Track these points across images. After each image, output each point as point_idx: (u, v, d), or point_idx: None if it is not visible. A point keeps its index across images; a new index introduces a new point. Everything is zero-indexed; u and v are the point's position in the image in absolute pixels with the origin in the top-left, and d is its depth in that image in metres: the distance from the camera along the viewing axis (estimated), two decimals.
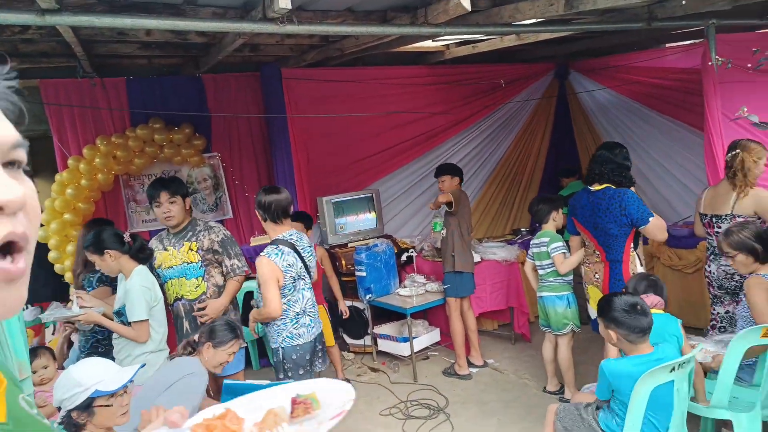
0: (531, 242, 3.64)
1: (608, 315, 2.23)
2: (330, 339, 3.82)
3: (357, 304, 4.36)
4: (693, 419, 2.45)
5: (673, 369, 2.13)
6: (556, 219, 3.53)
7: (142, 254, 2.67)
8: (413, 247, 4.72)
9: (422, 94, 5.01)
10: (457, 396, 3.75)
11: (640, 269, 3.06)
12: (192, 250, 2.87)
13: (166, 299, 2.86)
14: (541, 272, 3.53)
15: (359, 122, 4.76)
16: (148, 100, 4.16)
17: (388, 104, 4.81)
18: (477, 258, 4.29)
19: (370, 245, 4.43)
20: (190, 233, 2.91)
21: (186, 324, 2.94)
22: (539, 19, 3.23)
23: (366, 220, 4.73)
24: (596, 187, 3.04)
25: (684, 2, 2.58)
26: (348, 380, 3.86)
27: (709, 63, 3.14)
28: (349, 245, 4.56)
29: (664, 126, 4.81)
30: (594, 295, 3.18)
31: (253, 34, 2.85)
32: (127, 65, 4.11)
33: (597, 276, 3.16)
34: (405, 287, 4.32)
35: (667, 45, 4.92)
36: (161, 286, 2.82)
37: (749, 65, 2.43)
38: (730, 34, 3.53)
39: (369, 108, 4.73)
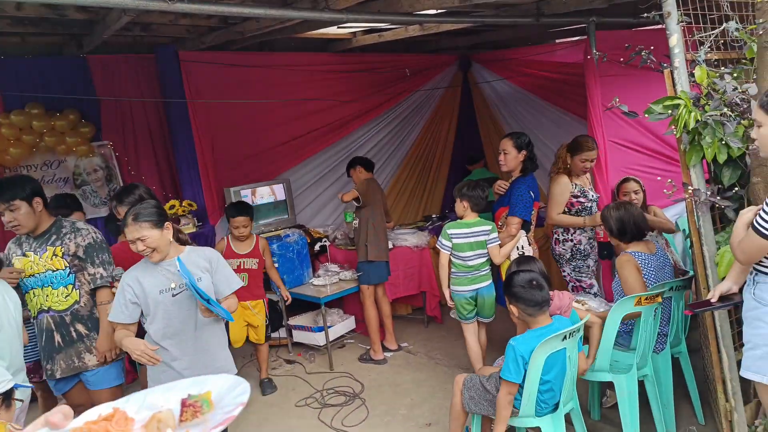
0: (457, 231, 3.25)
1: (509, 291, 2.40)
2: (261, 336, 3.73)
3: (270, 296, 4.28)
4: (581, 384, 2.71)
5: (565, 337, 2.33)
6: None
7: None
8: (326, 237, 4.71)
9: (331, 82, 4.98)
10: (372, 381, 3.82)
11: (528, 249, 3.31)
12: (57, 255, 2.48)
13: (27, 312, 2.51)
14: (476, 262, 3.27)
15: (267, 110, 4.64)
16: (24, 83, 3.72)
17: (295, 92, 4.72)
18: (390, 245, 4.38)
19: (281, 236, 4.36)
20: (55, 236, 2.51)
21: (58, 338, 2.52)
22: (439, 10, 3.33)
23: (277, 210, 4.63)
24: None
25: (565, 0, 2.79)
26: (270, 379, 3.79)
27: (589, 57, 3.44)
28: (260, 236, 4.45)
29: (554, 115, 5.20)
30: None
31: (141, 12, 2.65)
32: None
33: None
34: (319, 277, 4.31)
35: (557, 41, 5.30)
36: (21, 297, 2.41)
37: (622, 59, 2.70)
38: (608, 31, 3.89)
39: (276, 95, 4.61)
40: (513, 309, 2.41)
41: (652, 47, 2.57)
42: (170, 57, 4.07)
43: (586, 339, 2.62)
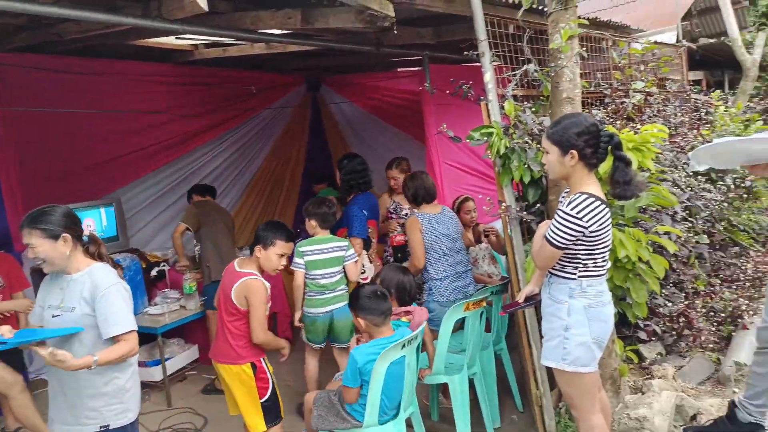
0: (309, 249, 3.22)
1: (356, 303, 2.48)
2: None
3: None
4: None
5: (404, 345, 2.49)
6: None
7: None
8: (165, 261, 4.36)
9: (170, 95, 4.65)
10: (217, 413, 3.58)
11: (369, 267, 3.50)
12: None
13: None
14: (329, 280, 3.23)
15: (94, 122, 4.15)
16: None
17: (129, 103, 4.31)
18: None
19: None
20: None
21: None
22: (284, 31, 3.36)
23: (105, 232, 4.15)
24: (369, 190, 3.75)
25: (396, 32, 3.04)
26: None
27: (421, 88, 3.80)
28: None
29: (398, 137, 5.57)
30: None
31: None
32: None
33: (377, 265, 3.73)
34: (156, 305, 3.96)
35: (399, 69, 5.71)
36: None
37: (448, 91, 3.03)
38: (441, 65, 4.32)
39: (105, 105, 4.16)
40: (360, 322, 2.49)
41: (471, 82, 2.93)
42: None
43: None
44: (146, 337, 3.87)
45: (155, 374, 3.80)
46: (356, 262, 3.33)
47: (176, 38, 4.16)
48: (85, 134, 4.14)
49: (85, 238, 2.10)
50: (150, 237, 4.74)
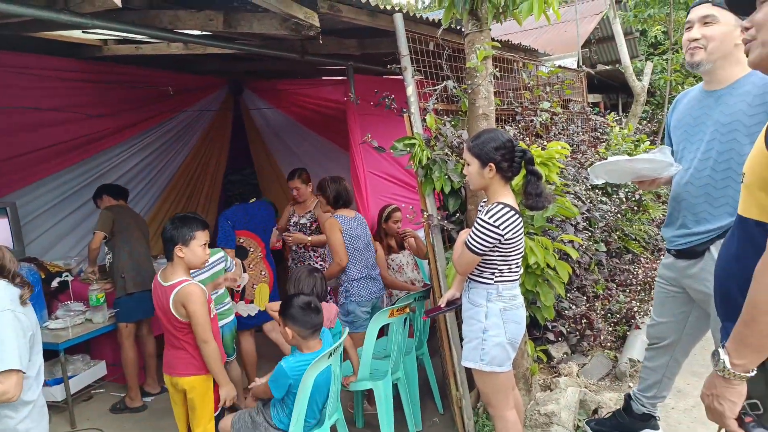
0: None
1: (287, 312, 2.40)
2: None
3: None
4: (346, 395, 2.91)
5: (330, 354, 2.48)
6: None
7: None
8: (68, 271, 4.00)
9: (76, 92, 4.29)
10: None
11: (244, 276, 3.51)
12: None
13: None
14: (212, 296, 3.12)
15: None
16: None
17: (24, 99, 3.92)
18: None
19: None
20: None
21: None
22: (204, 32, 3.26)
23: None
24: (252, 200, 3.90)
25: (321, 42, 3.07)
26: None
27: (345, 98, 3.85)
28: None
29: (322, 146, 5.57)
30: (264, 291, 3.64)
31: None
32: None
33: (264, 273, 3.79)
34: (57, 318, 3.62)
35: (324, 78, 5.72)
36: None
37: (372, 102, 3.10)
38: (366, 76, 4.39)
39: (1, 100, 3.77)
40: (288, 331, 2.42)
41: (393, 96, 3.02)
42: None
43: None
44: (47, 353, 3.53)
45: (57, 394, 3.47)
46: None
47: (82, 32, 3.87)
48: None
49: None
50: (50, 245, 4.33)
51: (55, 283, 3.76)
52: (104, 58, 4.40)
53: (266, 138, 5.97)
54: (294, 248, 4.09)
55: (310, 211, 4.05)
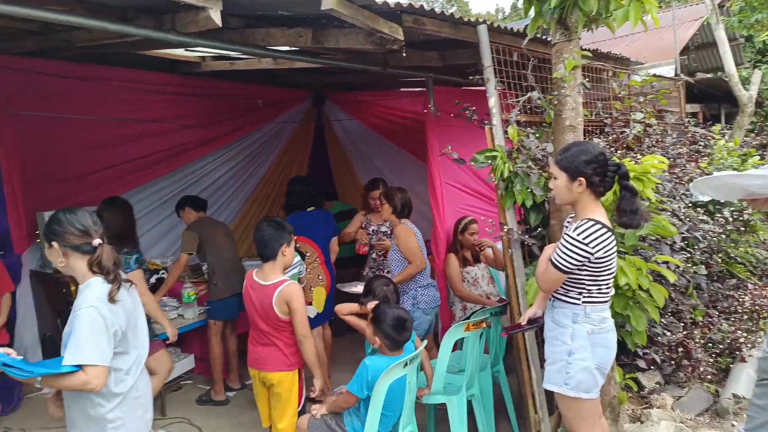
0: None
1: (380, 325, 2.48)
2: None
3: None
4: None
5: (406, 364, 2.48)
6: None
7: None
8: (165, 269, 4.34)
9: (174, 104, 4.68)
10: (211, 424, 3.56)
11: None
12: None
13: None
14: None
15: (96, 129, 4.17)
16: None
17: (132, 111, 4.34)
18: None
19: None
20: None
21: None
22: (292, 48, 3.41)
23: None
24: (310, 209, 4.06)
25: (405, 54, 3.09)
26: None
27: (425, 110, 3.85)
28: None
29: (399, 157, 5.62)
30: (321, 294, 3.89)
31: None
32: None
33: (321, 277, 3.94)
34: None
35: (403, 89, 5.79)
36: None
37: (452, 114, 3.08)
38: (445, 87, 4.38)
39: (108, 113, 4.19)
40: (376, 339, 2.50)
41: (474, 107, 2.97)
42: None
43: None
44: None
45: None
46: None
47: (185, 50, 4.21)
48: (89, 140, 4.16)
49: (88, 247, 1.92)
50: (149, 245, 4.71)
51: (153, 280, 4.09)
52: (201, 74, 4.76)
53: (346, 148, 6.13)
54: (374, 256, 4.18)
55: (387, 220, 4.09)
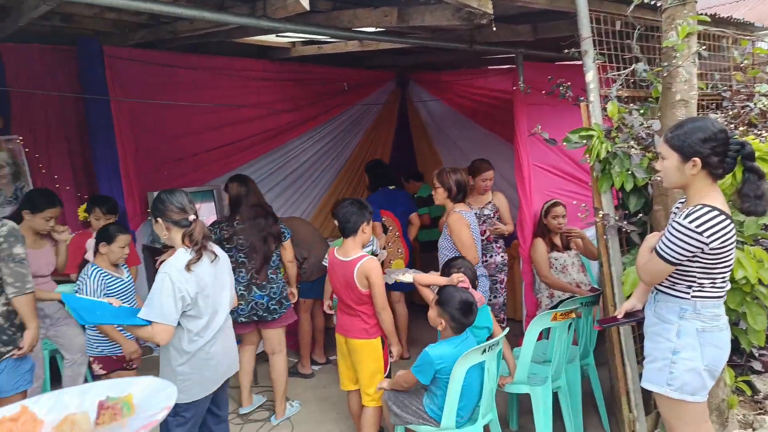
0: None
1: (446, 306, 2.46)
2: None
3: None
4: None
5: (485, 351, 2.43)
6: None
7: None
8: None
9: (267, 89, 4.89)
10: (298, 395, 3.74)
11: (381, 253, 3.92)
12: None
13: None
14: None
15: (199, 113, 4.46)
16: None
17: (228, 97, 4.59)
18: (325, 262, 4.36)
19: None
20: None
21: None
22: (378, 29, 3.39)
23: (206, 218, 4.44)
24: (391, 187, 4.45)
25: (495, 29, 2.94)
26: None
27: (514, 87, 3.67)
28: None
29: (484, 137, 5.43)
30: (400, 266, 4.21)
31: (61, 2, 2.48)
32: None
33: (400, 251, 4.34)
34: None
35: (490, 67, 5.57)
36: None
37: (544, 91, 2.90)
38: (536, 63, 4.14)
39: (207, 99, 4.46)
40: (441, 320, 2.48)
41: (569, 83, 2.77)
42: (93, 51, 3.82)
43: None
44: None
45: None
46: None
47: (276, 36, 4.36)
48: (189, 125, 4.46)
49: (186, 222, 2.18)
50: None
51: None
52: (291, 59, 4.91)
53: (429, 129, 6.06)
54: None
55: (490, 202, 3.99)
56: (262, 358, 3.65)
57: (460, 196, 3.23)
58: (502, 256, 3.94)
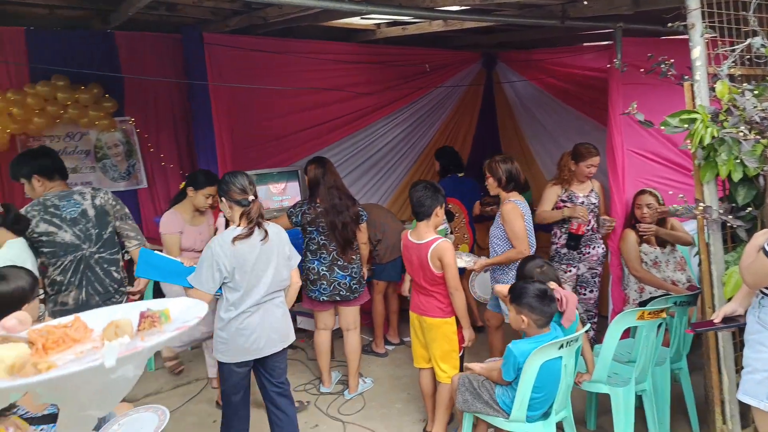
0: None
1: (521, 301, 2.36)
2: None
3: None
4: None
5: (562, 346, 2.33)
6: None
7: (17, 225, 2.47)
8: None
9: (351, 72, 4.95)
10: (371, 372, 3.86)
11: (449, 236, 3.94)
12: None
13: None
14: None
15: (286, 97, 4.65)
16: (51, 55, 3.77)
17: (316, 80, 4.71)
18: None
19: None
20: None
21: None
22: (463, 7, 3.30)
23: (291, 197, 4.68)
24: (460, 174, 4.62)
25: (586, 2, 2.73)
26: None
27: (609, 65, 3.39)
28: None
29: (575, 120, 5.10)
30: (464, 251, 4.19)
31: None
32: (23, 14, 3.72)
33: (466, 236, 4.51)
34: None
35: (584, 44, 5.20)
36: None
37: (642, 69, 2.65)
38: (636, 38, 3.79)
39: (296, 82, 4.62)
40: (523, 319, 2.37)
41: (672, 60, 2.51)
42: (195, 38, 4.11)
43: None
44: None
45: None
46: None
47: (361, 18, 4.40)
48: (278, 108, 4.66)
49: (246, 202, 2.40)
50: None
51: None
52: (375, 41, 4.94)
53: (516, 112, 5.82)
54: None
55: (593, 190, 3.80)
56: (337, 334, 3.79)
57: (511, 185, 3.17)
58: (603, 248, 3.74)
